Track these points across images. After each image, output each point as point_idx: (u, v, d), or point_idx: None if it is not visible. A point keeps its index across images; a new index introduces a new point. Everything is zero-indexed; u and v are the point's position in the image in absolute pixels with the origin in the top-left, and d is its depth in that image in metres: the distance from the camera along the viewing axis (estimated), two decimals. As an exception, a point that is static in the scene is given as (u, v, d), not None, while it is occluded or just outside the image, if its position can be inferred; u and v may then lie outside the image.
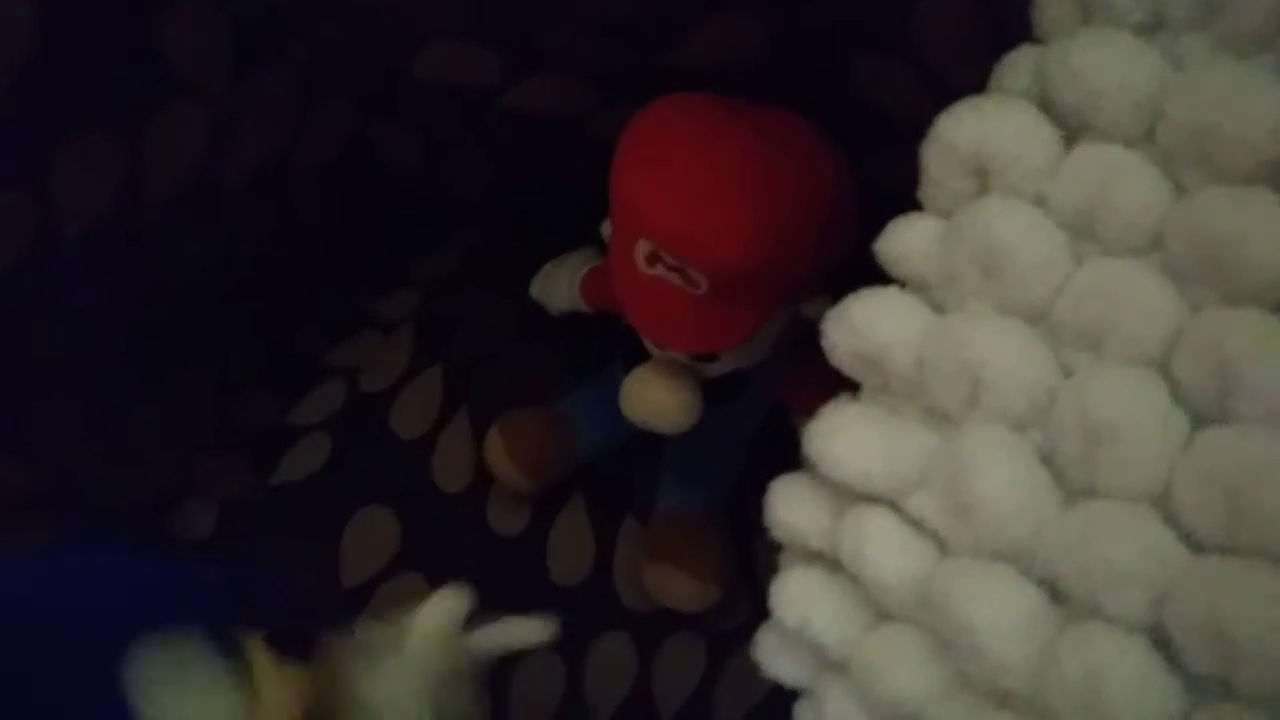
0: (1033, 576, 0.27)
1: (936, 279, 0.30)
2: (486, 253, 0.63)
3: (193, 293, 0.52)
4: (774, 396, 0.53)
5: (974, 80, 0.32)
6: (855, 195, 0.43)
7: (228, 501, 0.58)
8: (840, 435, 0.30)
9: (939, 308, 0.30)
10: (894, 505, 0.30)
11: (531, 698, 0.52)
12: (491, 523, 0.56)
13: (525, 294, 0.59)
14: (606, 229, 0.47)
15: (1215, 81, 0.26)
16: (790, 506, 0.32)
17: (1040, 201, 0.29)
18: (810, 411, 0.40)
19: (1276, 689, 0.23)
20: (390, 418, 0.59)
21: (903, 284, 0.31)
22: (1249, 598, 0.23)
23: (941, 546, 0.29)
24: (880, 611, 0.30)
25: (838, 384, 0.33)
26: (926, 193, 0.31)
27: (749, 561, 0.54)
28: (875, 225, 0.33)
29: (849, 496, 0.30)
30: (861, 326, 0.30)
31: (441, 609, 0.47)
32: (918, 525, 0.29)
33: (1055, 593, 0.27)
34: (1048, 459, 0.27)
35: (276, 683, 0.34)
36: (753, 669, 0.52)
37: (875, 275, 0.32)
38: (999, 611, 0.26)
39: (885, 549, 0.29)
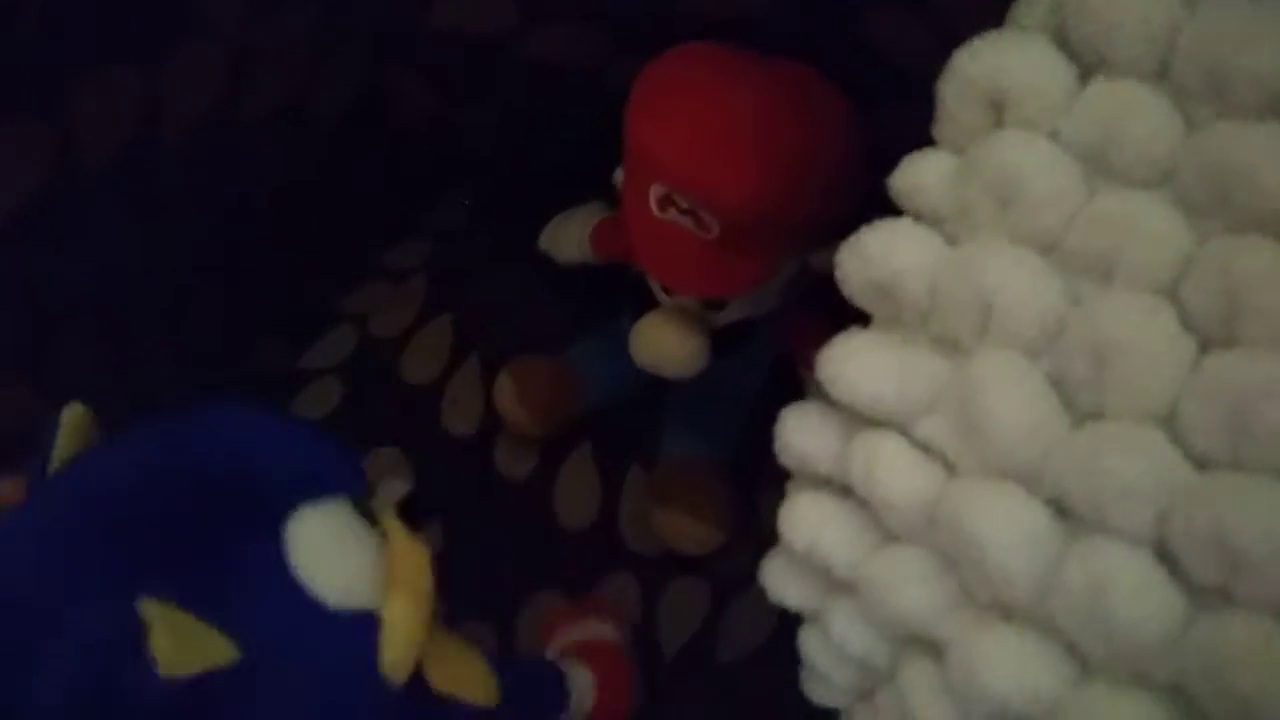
0: (1040, 495, 0.27)
1: (950, 212, 0.31)
2: (497, 203, 0.64)
3: (208, 234, 0.52)
4: (780, 348, 0.53)
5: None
6: (864, 145, 0.44)
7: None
8: (853, 359, 0.30)
9: (952, 240, 0.31)
10: (903, 430, 0.30)
11: (537, 638, 0.53)
12: (499, 467, 0.57)
13: (535, 245, 0.59)
14: (619, 176, 0.47)
15: (1229, 17, 0.27)
16: (801, 432, 0.32)
17: (1055, 136, 0.29)
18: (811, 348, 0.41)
19: (1276, 596, 0.24)
20: (400, 363, 0.60)
21: (916, 217, 0.31)
22: (1252, 509, 0.24)
23: (950, 469, 0.29)
24: (887, 533, 0.31)
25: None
26: (942, 128, 0.31)
27: (752, 510, 0.54)
28: (885, 177, 0.33)
29: (859, 422, 0.31)
30: (876, 254, 0.30)
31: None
32: (926, 449, 0.30)
33: (1061, 510, 0.27)
34: (1057, 384, 0.28)
35: (411, 550, 0.34)
36: (754, 613, 0.53)
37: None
38: (1006, 526, 0.27)
39: (895, 471, 0.30)
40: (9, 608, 0.27)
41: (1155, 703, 0.25)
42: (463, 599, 0.53)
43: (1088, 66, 0.29)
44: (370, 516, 0.34)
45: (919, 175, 0.31)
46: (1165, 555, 0.25)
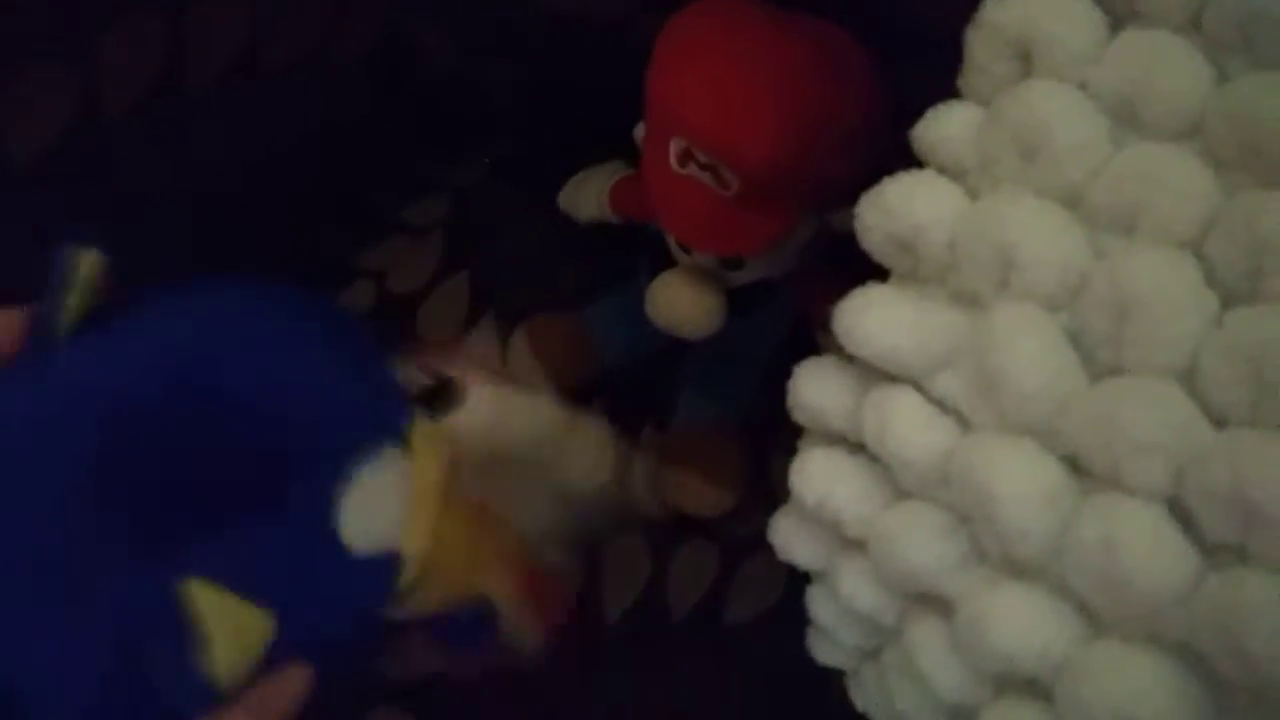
0: (1055, 451, 0.27)
1: (973, 165, 0.30)
2: (518, 160, 0.63)
3: (227, 184, 0.52)
4: (797, 310, 0.53)
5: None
6: (886, 103, 0.43)
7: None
8: (870, 311, 0.30)
9: (974, 194, 0.30)
10: (919, 385, 0.30)
11: (546, 595, 0.53)
12: (513, 425, 0.57)
13: (554, 203, 0.59)
14: (640, 132, 0.47)
15: (1265, -33, 0.26)
16: (815, 387, 0.32)
17: (1083, 86, 0.28)
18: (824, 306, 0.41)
19: (1292, 554, 0.23)
20: (418, 319, 0.60)
21: (939, 171, 0.31)
22: (1270, 466, 0.23)
23: (965, 425, 0.29)
24: (899, 490, 0.30)
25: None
26: (968, 79, 0.31)
27: (764, 474, 0.54)
28: (908, 133, 0.33)
29: (873, 377, 0.30)
30: (896, 207, 0.30)
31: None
32: (941, 405, 0.29)
33: (1076, 467, 0.27)
34: (1076, 339, 0.27)
35: (427, 470, 0.30)
36: (763, 576, 0.53)
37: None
38: (1019, 481, 0.27)
39: (909, 425, 0.29)
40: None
41: (1165, 661, 0.25)
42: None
43: (1119, 16, 0.29)
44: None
45: (944, 128, 0.31)
46: (1180, 512, 0.25)
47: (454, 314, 0.59)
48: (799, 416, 0.33)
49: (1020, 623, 0.27)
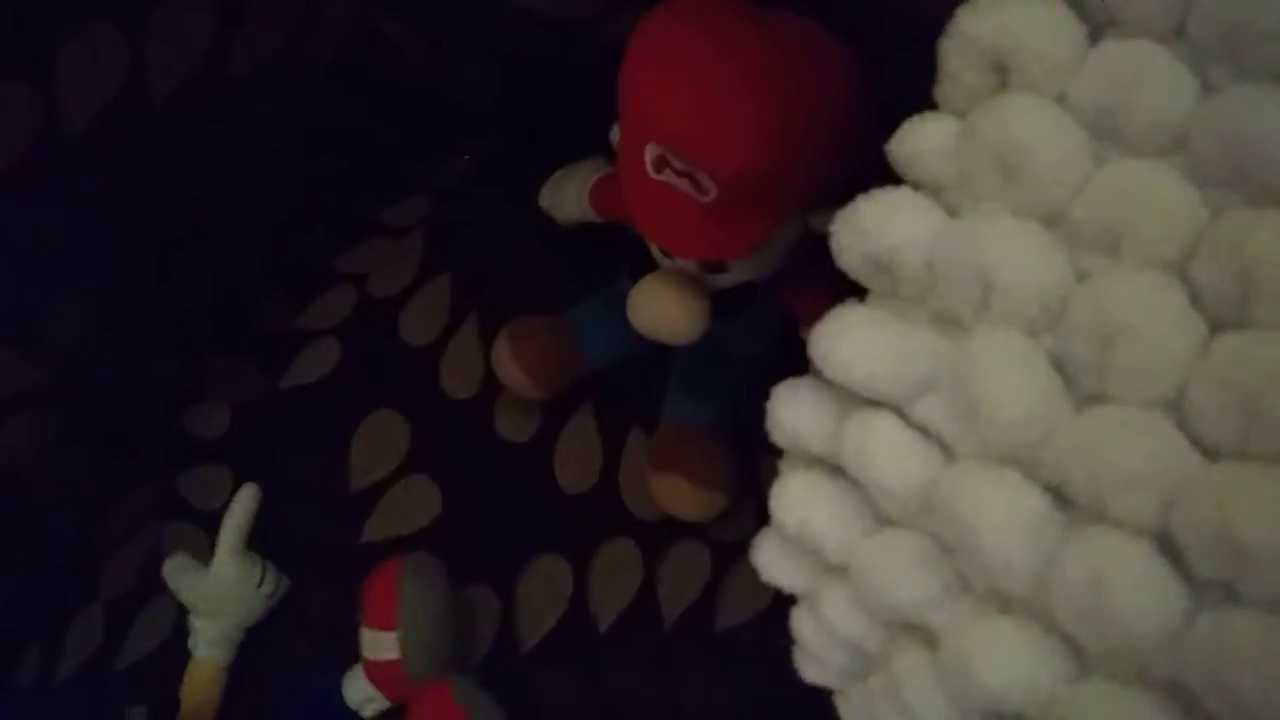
0: (1039, 481, 0.26)
1: (951, 181, 0.29)
2: (497, 160, 0.62)
3: (200, 191, 0.51)
4: (783, 311, 0.52)
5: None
6: (869, 101, 0.42)
7: (238, 403, 0.58)
8: (847, 337, 0.29)
9: (953, 211, 0.29)
10: (900, 410, 0.29)
11: (538, 601, 0.53)
12: (500, 429, 0.56)
13: (534, 203, 0.58)
14: (615, 134, 0.46)
15: (1250, -27, 0.25)
16: (793, 410, 0.31)
17: (1062, 99, 0.27)
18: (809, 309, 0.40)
19: (1282, 595, 0.22)
20: (399, 324, 0.59)
21: (916, 186, 0.30)
22: (1260, 503, 0.22)
23: (947, 451, 0.28)
24: (880, 516, 0.29)
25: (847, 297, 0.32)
26: (943, 90, 0.29)
27: (754, 475, 0.53)
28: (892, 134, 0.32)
29: (853, 400, 0.30)
30: (871, 227, 0.29)
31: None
32: (923, 430, 0.29)
33: (1061, 498, 0.26)
34: (1060, 364, 0.27)
35: None
36: (755, 579, 0.52)
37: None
38: (1003, 514, 0.26)
39: (890, 453, 0.28)
40: None
41: (1154, 701, 0.24)
42: (464, 562, 0.53)
43: (1098, 25, 0.28)
44: None
45: (919, 142, 0.30)
46: (1168, 547, 0.24)
47: (436, 318, 0.59)
48: (778, 438, 0.32)
49: (1006, 659, 0.26)
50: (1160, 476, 0.24)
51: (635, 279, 0.47)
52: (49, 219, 0.46)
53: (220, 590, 0.52)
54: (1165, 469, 0.24)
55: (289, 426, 0.57)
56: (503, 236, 0.60)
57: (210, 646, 0.51)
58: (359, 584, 0.50)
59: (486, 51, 0.54)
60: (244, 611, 0.52)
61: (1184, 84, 0.26)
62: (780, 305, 0.51)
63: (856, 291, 0.32)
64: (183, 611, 0.52)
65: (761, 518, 0.35)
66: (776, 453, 0.34)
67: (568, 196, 0.55)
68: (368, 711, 0.50)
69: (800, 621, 0.33)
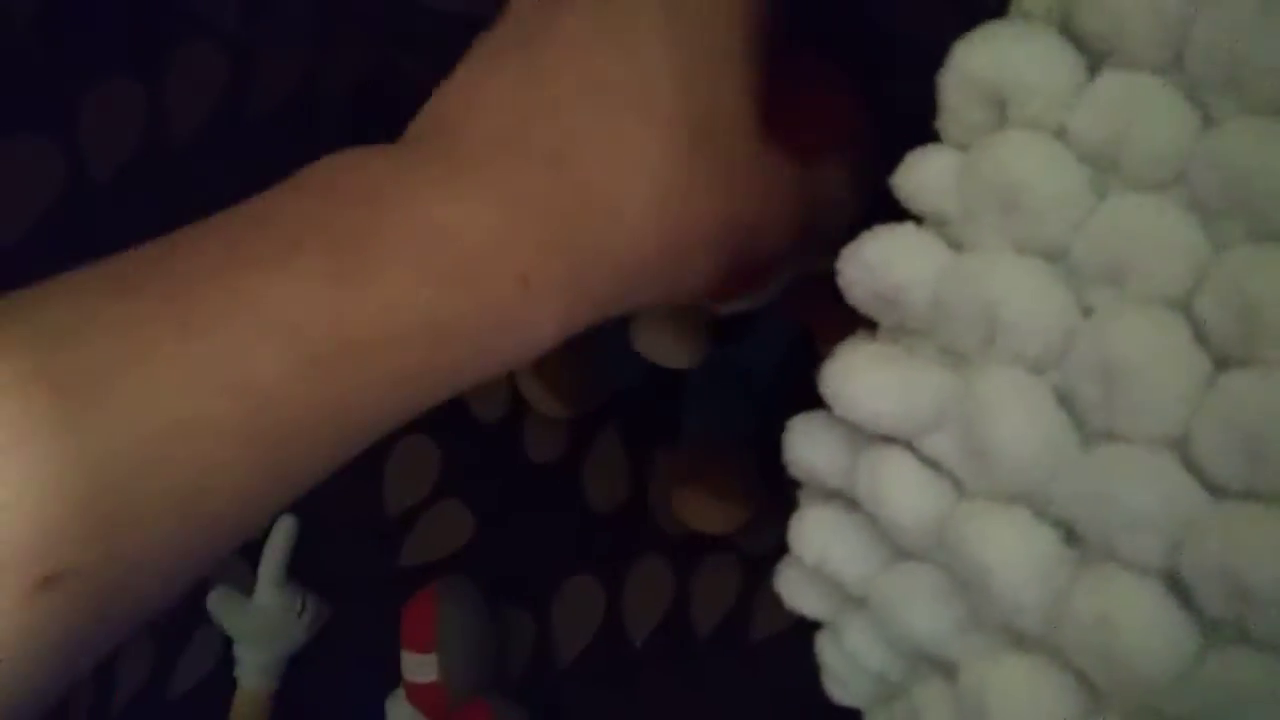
0: (1049, 519, 0.26)
1: (955, 214, 0.29)
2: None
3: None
4: (798, 325, 0.52)
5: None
6: (873, 139, 0.42)
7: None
8: (855, 375, 0.29)
9: (957, 244, 0.29)
10: (911, 445, 0.29)
11: (572, 620, 0.54)
12: (528, 450, 0.57)
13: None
14: None
15: (1247, 3, 0.25)
16: (808, 445, 0.31)
17: (1061, 133, 0.27)
18: (835, 337, 0.40)
19: (1292, 636, 0.23)
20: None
21: (920, 219, 0.30)
22: (1266, 542, 0.22)
23: (958, 487, 0.28)
24: (898, 550, 0.30)
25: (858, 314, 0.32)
26: (944, 124, 0.29)
27: (781, 484, 0.54)
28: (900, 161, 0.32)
29: (866, 435, 0.30)
30: (876, 265, 0.29)
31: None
32: (935, 465, 0.29)
33: (1071, 535, 0.26)
34: (1066, 401, 0.27)
35: None
36: (787, 590, 0.53)
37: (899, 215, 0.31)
38: (1014, 553, 0.26)
39: (902, 489, 0.29)
40: None
41: (1169, 738, 0.25)
42: (498, 584, 0.54)
43: (1097, 56, 0.27)
44: None
45: (921, 175, 0.30)
46: (1178, 586, 0.24)
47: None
48: (795, 472, 0.33)
49: (1019, 696, 0.26)
50: (1167, 516, 0.24)
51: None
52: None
53: (263, 620, 0.53)
54: (1172, 509, 0.24)
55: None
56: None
57: (255, 675, 0.53)
58: (398, 609, 0.52)
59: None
60: (287, 640, 0.54)
61: (1183, 117, 0.26)
62: (792, 320, 0.51)
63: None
64: (228, 642, 0.54)
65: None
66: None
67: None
68: (411, 733, 0.51)
69: (825, 647, 0.34)
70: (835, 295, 0.38)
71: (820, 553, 0.31)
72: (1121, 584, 0.25)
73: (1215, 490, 0.24)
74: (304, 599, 0.54)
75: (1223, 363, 0.25)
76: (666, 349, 0.46)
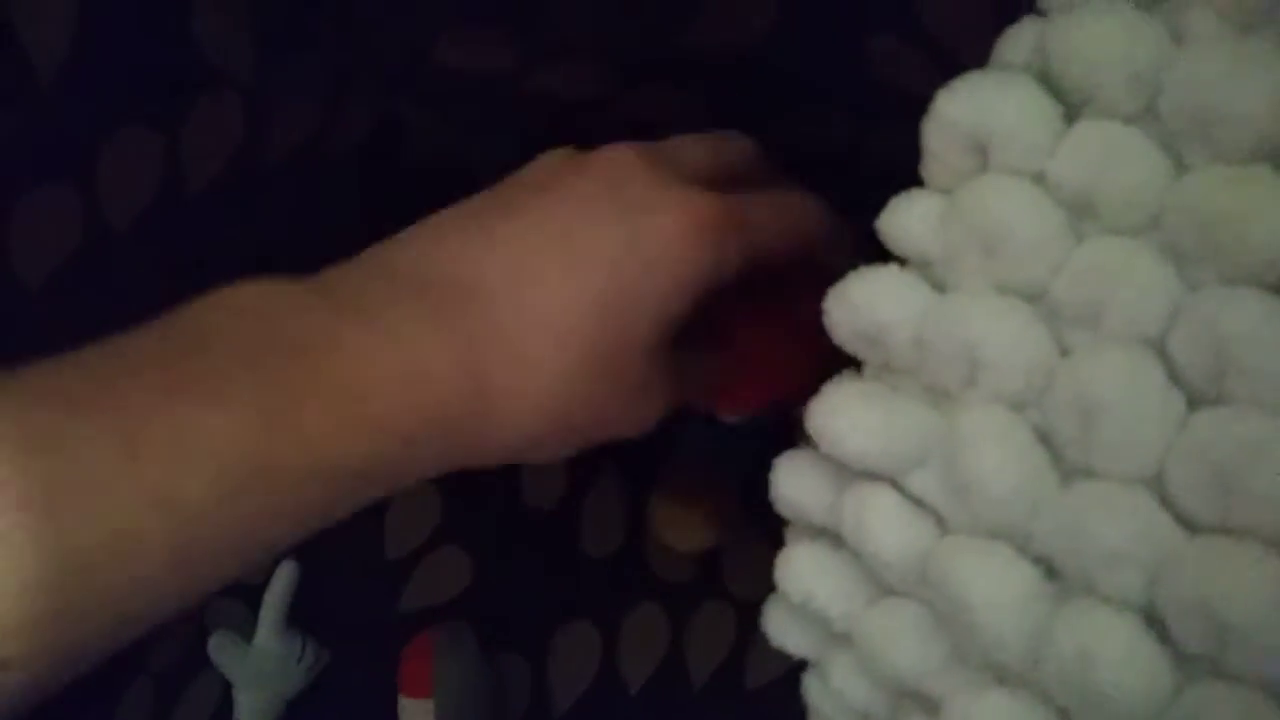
0: (1029, 554, 0.26)
1: (938, 256, 0.30)
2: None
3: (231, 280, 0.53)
4: None
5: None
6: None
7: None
8: (840, 413, 0.29)
9: (940, 285, 0.30)
10: (895, 482, 0.29)
11: (568, 667, 0.53)
12: (526, 497, 0.57)
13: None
14: None
15: (1217, 56, 0.25)
16: (794, 483, 0.32)
17: (1040, 179, 0.28)
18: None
19: (1264, 668, 0.22)
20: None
21: (904, 261, 0.30)
22: (1240, 578, 0.23)
23: (941, 523, 0.28)
24: (882, 586, 0.30)
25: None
26: (928, 168, 0.30)
27: (778, 532, 0.54)
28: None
29: (851, 473, 0.30)
30: (861, 305, 0.29)
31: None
32: (918, 502, 0.29)
33: (1051, 571, 0.26)
34: (1046, 438, 0.27)
35: None
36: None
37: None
38: (995, 588, 0.26)
39: (886, 526, 0.29)
40: None
41: (1149, 773, 0.24)
42: (495, 632, 0.54)
43: (1074, 105, 0.28)
44: None
45: (905, 218, 0.30)
46: (1155, 620, 0.24)
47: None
48: (781, 510, 0.33)
49: (1003, 732, 0.26)
50: (1144, 552, 0.24)
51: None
52: (91, 322, 0.48)
53: (263, 665, 0.53)
54: (1149, 545, 0.24)
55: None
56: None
57: (253, 719, 0.53)
58: (397, 653, 0.51)
59: (503, 134, 0.56)
60: (286, 685, 0.53)
61: (1156, 164, 0.26)
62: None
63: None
64: (227, 686, 0.54)
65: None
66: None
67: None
68: (408, 779, 0.51)
69: (811, 687, 0.34)
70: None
71: (806, 590, 0.31)
72: (1100, 618, 0.25)
73: (1190, 526, 0.24)
74: (304, 643, 0.54)
75: (1196, 401, 0.25)
76: None
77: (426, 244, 0.33)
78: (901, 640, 0.29)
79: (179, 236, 0.49)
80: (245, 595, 0.56)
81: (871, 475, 0.30)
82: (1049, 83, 0.28)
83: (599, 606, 0.54)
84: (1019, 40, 0.30)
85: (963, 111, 0.29)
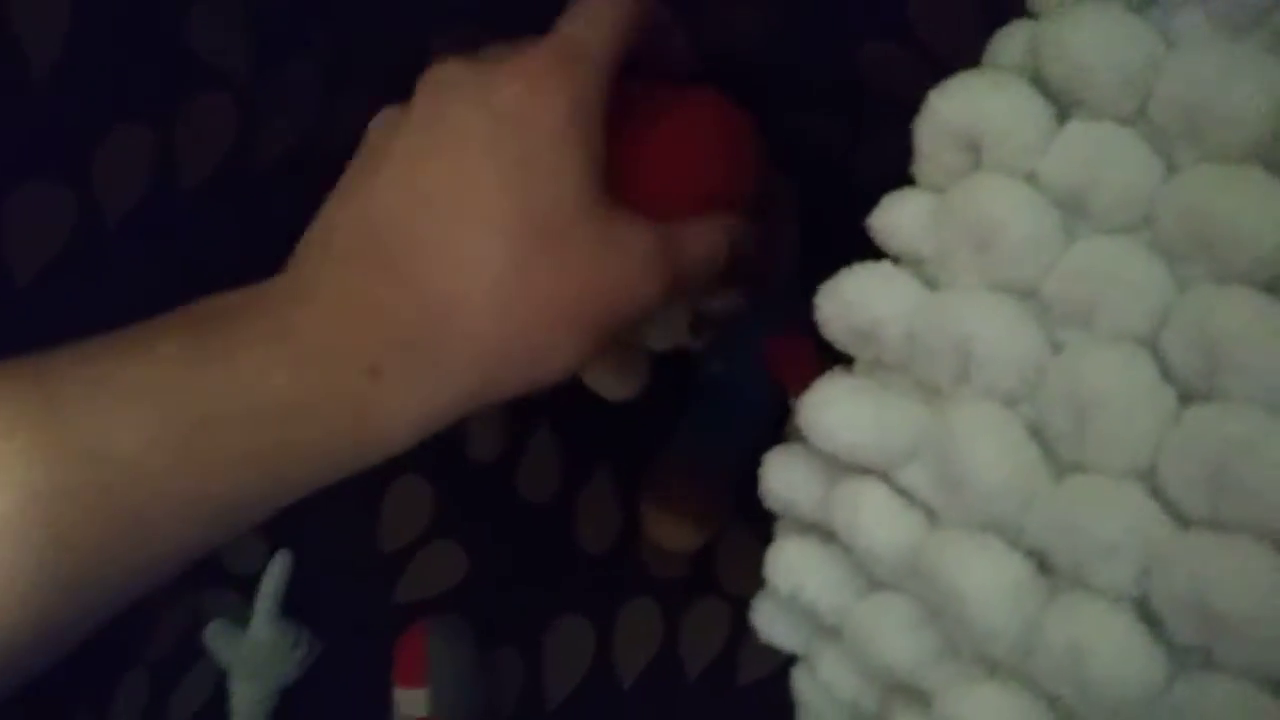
0: (1021, 548, 0.26)
1: (930, 254, 0.29)
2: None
3: (226, 283, 0.52)
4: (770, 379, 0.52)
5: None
6: (762, 178, 0.40)
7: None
8: (831, 408, 0.29)
9: (932, 283, 0.29)
10: (886, 476, 0.29)
11: (562, 660, 0.53)
12: (522, 491, 0.57)
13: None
14: None
15: (1207, 58, 0.25)
16: (783, 477, 0.31)
17: (1032, 178, 0.28)
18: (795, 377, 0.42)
19: (1257, 660, 0.22)
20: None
21: (896, 259, 0.30)
22: (1232, 572, 0.22)
23: (932, 518, 0.28)
24: (872, 580, 0.30)
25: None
26: (920, 167, 0.30)
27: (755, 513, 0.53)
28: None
29: (841, 467, 0.30)
30: (854, 300, 0.29)
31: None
32: (909, 496, 0.29)
33: (1043, 564, 0.26)
34: (1038, 433, 0.27)
35: None
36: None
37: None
38: (987, 581, 0.26)
39: (877, 520, 0.29)
40: None
41: (1139, 765, 0.24)
42: (489, 624, 0.53)
43: (1065, 106, 0.28)
44: None
45: (897, 216, 0.30)
46: (1147, 613, 0.24)
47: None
48: (771, 504, 0.33)
49: (994, 725, 0.26)
50: (1136, 545, 0.24)
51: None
52: (83, 315, 0.48)
53: (258, 655, 0.53)
54: (1141, 538, 0.24)
55: (320, 495, 0.58)
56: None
57: (248, 709, 0.52)
58: (391, 645, 0.51)
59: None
60: (281, 674, 0.53)
61: (1148, 163, 0.26)
62: (767, 374, 0.51)
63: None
64: (222, 675, 0.53)
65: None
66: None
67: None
68: (401, 770, 0.51)
69: (800, 681, 0.33)
70: (803, 347, 0.38)
71: (795, 583, 0.31)
72: (1092, 611, 0.25)
73: (1181, 520, 0.24)
74: (299, 634, 0.53)
75: (1188, 397, 0.25)
76: (601, 385, 0.46)
77: (335, 219, 0.32)
78: (892, 633, 0.29)
79: (171, 233, 0.49)
80: (240, 585, 0.55)
81: (862, 469, 0.30)
82: (1041, 83, 0.28)
83: (593, 601, 0.54)
84: (1011, 41, 0.29)
85: (956, 110, 0.29)
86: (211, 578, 0.56)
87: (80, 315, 0.47)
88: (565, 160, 0.29)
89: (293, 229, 0.56)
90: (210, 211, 0.50)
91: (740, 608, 0.53)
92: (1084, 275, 0.26)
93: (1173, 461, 0.24)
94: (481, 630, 0.53)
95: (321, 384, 0.26)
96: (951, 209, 0.29)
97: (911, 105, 0.31)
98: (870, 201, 0.32)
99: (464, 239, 0.29)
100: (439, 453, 0.58)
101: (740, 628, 0.53)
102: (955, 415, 0.27)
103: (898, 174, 0.32)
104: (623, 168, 0.32)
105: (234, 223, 0.51)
